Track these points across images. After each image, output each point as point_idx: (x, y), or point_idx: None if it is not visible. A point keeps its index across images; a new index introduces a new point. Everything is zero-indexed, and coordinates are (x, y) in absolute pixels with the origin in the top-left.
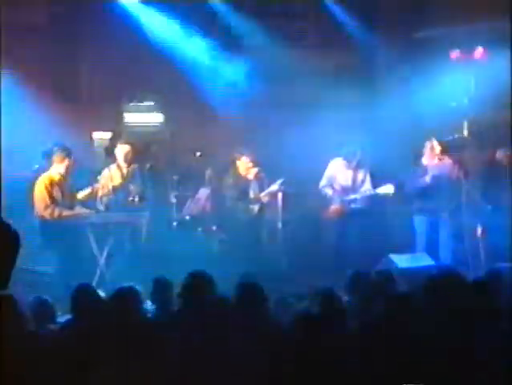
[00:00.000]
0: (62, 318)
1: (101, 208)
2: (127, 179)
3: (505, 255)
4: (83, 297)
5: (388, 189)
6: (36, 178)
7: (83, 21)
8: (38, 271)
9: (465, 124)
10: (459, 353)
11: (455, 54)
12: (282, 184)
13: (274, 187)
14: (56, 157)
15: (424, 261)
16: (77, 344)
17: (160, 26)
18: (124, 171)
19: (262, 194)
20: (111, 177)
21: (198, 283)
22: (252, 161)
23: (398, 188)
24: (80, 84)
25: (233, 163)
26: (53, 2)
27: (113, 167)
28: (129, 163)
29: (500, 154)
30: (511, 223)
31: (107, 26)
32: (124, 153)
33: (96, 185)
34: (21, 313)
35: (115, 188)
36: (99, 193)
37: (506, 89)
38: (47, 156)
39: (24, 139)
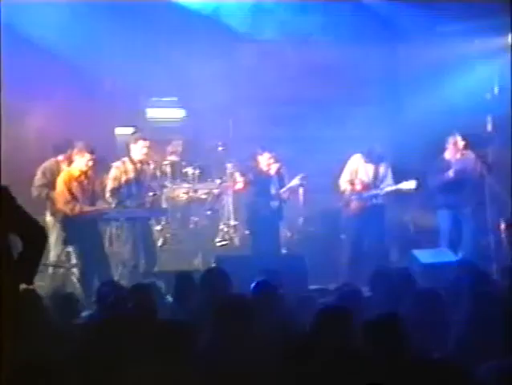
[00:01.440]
0: (86, 312)
1: (110, 200)
2: (142, 174)
3: None
4: (106, 292)
5: (410, 185)
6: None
7: (104, 17)
8: (61, 266)
9: (489, 119)
10: (483, 350)
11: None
12: (302, 178)
13: (295, 182)
14: (77, 153)
15: (447, 256)
16: (100, 338)
17: (178, 21)
18: (138, 166)
19: (283, 190)
20: (125, 171)
21: (212, 280)
22: (273, 157)
23: (421, 182)
24: (102, 80)
25: (255, 158)
26: None
27: (127, 160)
28: (144, 158)
29: None
30: None
31: (128, 21)
32: (139, 148)
33: (105, 177)
34: (45, 308)
35: (128, 182)
36: (109, 186)
37: None
38: (60, 151)
39: (45, 135)
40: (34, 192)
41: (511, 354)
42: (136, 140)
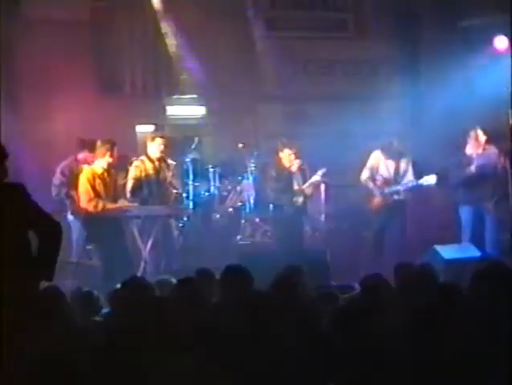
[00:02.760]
0: (107, 310)
1: (131, 200)
2: (162, 171)
3: None
4: (133, 290)
5: (431, 180)
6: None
7: (124, 15)
8: (84, 264)
9: (511, 113)
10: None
11: (501, 41)
12: (324, 174)
13: (317, 177)
14: (99, 150)
15: (470, 251)
16: (120, 335)
17: (197, 19)
18: (157, 163)
19: (305, 185)
20: (144, 169)
21: (233, 278)
22: (294, 153)
23: (442, 177)
24: (123, 78)
25: (276, 155)
26: None
27: (145, 159)
28: (162, 156)
29: None
30: None
31: (148, 20)
32: (157, 146)
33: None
34: (67, 305)
35: (148, 181)
36: (129, 185)
37: None
38: (88, 147)
39: (67, 133)
40: (53, 191)
41: None
42: (153, 138)
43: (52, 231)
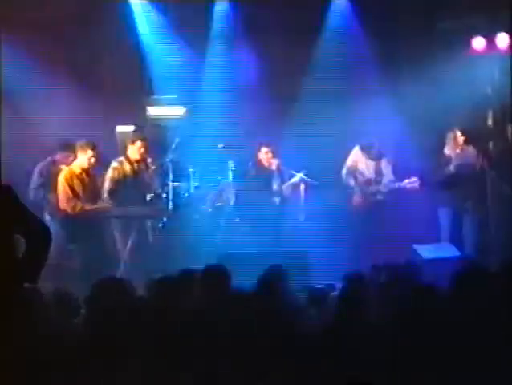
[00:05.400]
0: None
1: (108, 201)
2: (141, 173)
3: None
4: (108, 290)
5: (414, 183)
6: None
7: (104, 18)
8: (63, 265)
9: (490, 114)
10: (483, 344)
11: (478, 42)
12: (304, 175)
13: (297, 178)
14: (79, 150)
15: (448, 251)
16: (100, 336)
17: (173, 22)
18: (136, 165)
19: (285, 186)
20: (123, 171)
21: (214, 277)
22: (272, 153)
23: (422, 178)
24: (102, 78)
25: (255, 154)
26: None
27: (124, 160)
28: (142, 157)
29: None
30: None
31: (127, 22)
32: (137, 148)
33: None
34: (46, 307)
35: (127, 182)
36: (107, 186)
37: None
38: (66, 148)
39: (47, 134)
40: (31, 193)
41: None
42: (133, 141)
43: (40, 234)
